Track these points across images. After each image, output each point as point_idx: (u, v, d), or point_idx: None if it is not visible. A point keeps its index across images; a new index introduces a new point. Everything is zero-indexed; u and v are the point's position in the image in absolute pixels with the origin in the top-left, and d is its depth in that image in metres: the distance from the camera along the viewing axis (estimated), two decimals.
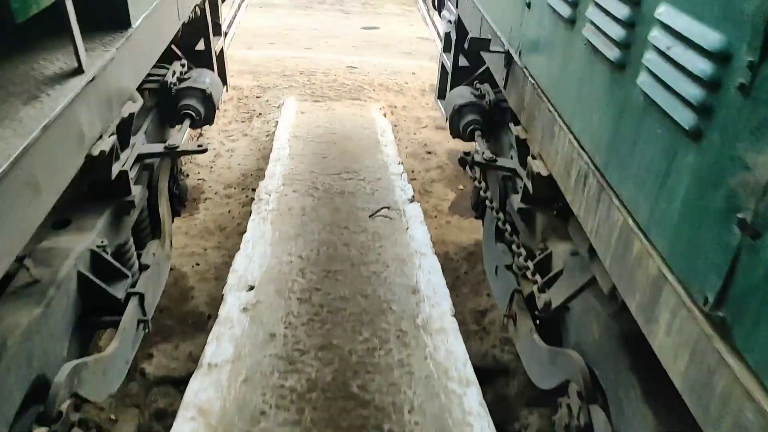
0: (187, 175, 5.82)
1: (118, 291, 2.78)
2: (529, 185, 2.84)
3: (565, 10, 2.25)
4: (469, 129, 4.14)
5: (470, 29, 4.09)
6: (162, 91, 4.00)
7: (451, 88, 5.47)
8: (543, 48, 2.57)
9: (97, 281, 2.63)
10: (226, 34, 9.25)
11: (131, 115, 2.67)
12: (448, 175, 5.99)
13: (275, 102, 7.22)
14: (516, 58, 2.93)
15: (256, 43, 9.08)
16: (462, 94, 4.36)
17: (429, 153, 6.35)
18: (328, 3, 11.47)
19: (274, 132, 6.43)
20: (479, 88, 4.42)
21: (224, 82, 5.88)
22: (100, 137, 2.36)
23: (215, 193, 5.56)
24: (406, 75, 8.14)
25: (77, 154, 2.16)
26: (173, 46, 4.84)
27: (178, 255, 4.74)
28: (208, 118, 4.08)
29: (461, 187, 5.80)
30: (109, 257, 2.80)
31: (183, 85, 4.02)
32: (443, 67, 5.79)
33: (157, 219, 3.76)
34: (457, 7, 4.52)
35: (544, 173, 2.57)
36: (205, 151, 3.54)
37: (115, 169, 2.61)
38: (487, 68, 4.98)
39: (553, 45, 2.44)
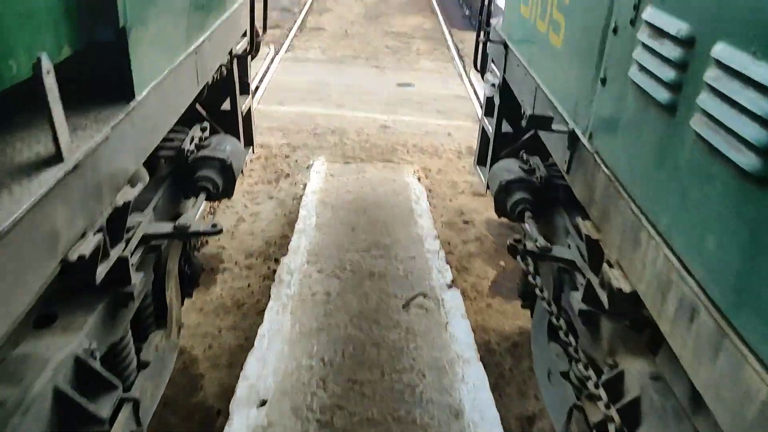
0: (207, 242, 5.44)
1: (105, 406, 2.33)
2: (604, 298, 2.33)
3: (662, 94, 1.79)
4: (518, 209, 3.65)
5: (521, 98, 3.66)
6: (177, 158, 3.63)
7: (493, 155, 5.04)
8: (624, 133, 2.10)
9: (78, 399, 2.19)
10: (257, 88, 9.06)
11: (127, 204, 2.26)
12: (488, 248, 5.49)
13: (304, 162, 6.87)
14: (584, 140, 2.47)
15: (288, 99, 8.84)
16: (509, 168, 3.90)
17: (466, 222, 5.87)
18: (362, 58, 11.28)
19: (301, 195, 6.06)
20: (528, 161, 3.97)
21: (250, 143, 5.55)
22: (84, 235, 1.94)
23: (235, 263, 5.14)
24: (442, 136, 7.76)
25: (47, 261, 1.74)
26: (197, 105, 4.53)
27: (190, 335, 4.30)
28: (227, 191, 3.68)
29: (502, 263, 5.28)
30: (96, 365, 2.35)
31: (201, 153, 3.64)
32: (484, 132, 5.38)
33: (164, 305, 3.33)
34: (504, 71, 4.12)
35: (626, 289, 2.07)
36: (219, 232, 3.13)
37: (101, 271, 2.18)
38: (534, 135, 4.55)
39: (641, 132, 1.97)
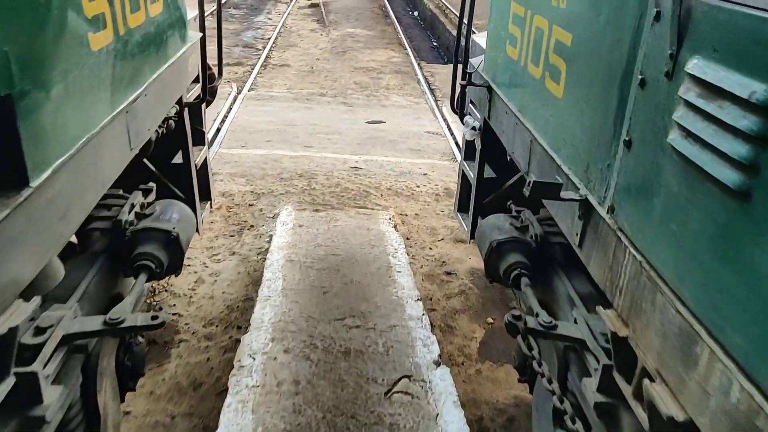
0: (160, 308, 4.85)
1: None
2: (642, 414, 1.86)
3: (726, 173, 1.34)
4: (512, 274, 3.19)
5: (511, 151, 3.22)
6: (114, 231, 3.10)
7: (476, 202, 4.63)
8: (663, 213, 1.65)
9: None
10: (219, 130, 8.56)
11: (14, 330, 1.72)
12: (473, 303, 5.01)
13: (270, 211, 6.34)
14: (601, 211, 2.02)
15: (252, 141, 8.35)
16: (499, 225, 3.45)
17: (448, 274, 5.39)
18: (329, 95, 10.88)
19: (267, 248, 5.52)
20: (519, 215, 3.53)
21: (208, 197, 5.04)
22: None
23: (192, 334, 4.55)
24: (417, 176, 7.32)
25: None
26: (144, 160, 4.02)
27: (136, 427, 3.70)
28: (173, 267, 3.15)
29: (491, 320, 4.80)
30: None
31: (142, 224, 3.11)
32: (464, 177, 4.96)
33: (96, 411, 2.76)
34: (489, 117, 3.69)
35: (680, 417, 1.59)
36: (161, 325, 2.60)
37: None
38: (520, 181, 4.13)
39: (690, 216, 1.52)
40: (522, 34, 2.90)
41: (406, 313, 3.99)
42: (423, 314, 3.99)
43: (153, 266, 3.01)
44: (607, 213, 1.95)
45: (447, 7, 18.54)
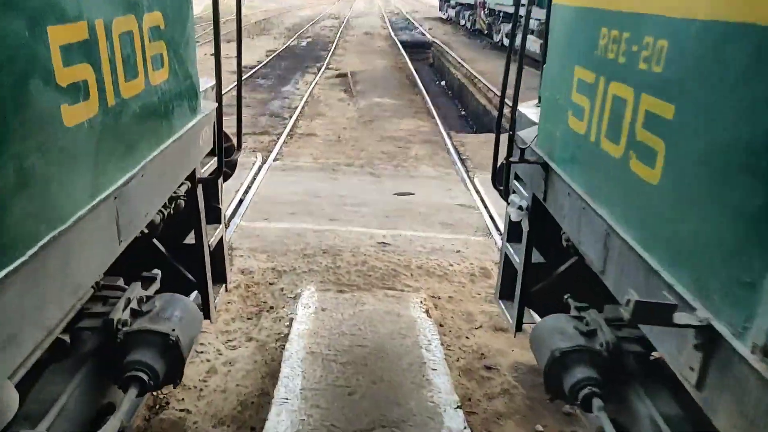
0: (167, 404, 4.32)
1: None
2: None
3: None
4: (582, 393, 2.60)
5: (577, 241, 2.69)
6: (105, 332, 2.61)
7: (523, 290, 4.08)
8: None
9: None
10: (241, 202, 8.20)
11: None
12: (519, 406, 4.35)
13: (291, 291, 5.84)
14: (740, 348, 1.46)
15: (275, 214, 7.94)
16: (560, 328, 2.88)
17: (489, 369, 4.76)
18: (356, 165, 10.54)
19: (286, 334, 4.99)
20: (582, 316, 2.97)
21: (223, 280, 4.58)
22: None
23: None
24: (450, 254, 6.79)
25: None
26: (154, 240, 3.60)
27: None
28: (171, 377, 2.64)
29: (540, 428, 4.14)
30: None
31: (136, 326, 2.62)
32: (507, 261, 4.43)
33: None
34: (545, 198, 3.19)
35: None
36: None
37: None
38: (577, 264, 3.57)
39: None
40: (592, 105, 2.43)
41: (444, 424, 3.39)
42: (465, 427, 3.37)
43: (146, 378, 2.50)
44: (754, 353, 1.39)
45: (475, 76, 18.49)
